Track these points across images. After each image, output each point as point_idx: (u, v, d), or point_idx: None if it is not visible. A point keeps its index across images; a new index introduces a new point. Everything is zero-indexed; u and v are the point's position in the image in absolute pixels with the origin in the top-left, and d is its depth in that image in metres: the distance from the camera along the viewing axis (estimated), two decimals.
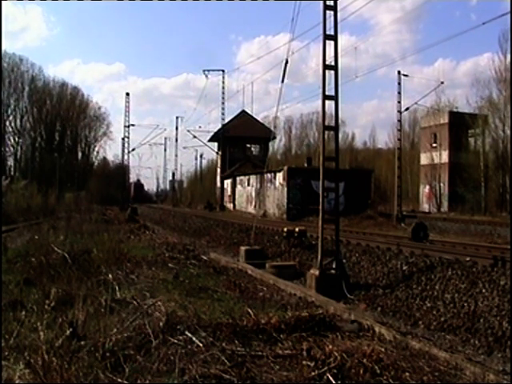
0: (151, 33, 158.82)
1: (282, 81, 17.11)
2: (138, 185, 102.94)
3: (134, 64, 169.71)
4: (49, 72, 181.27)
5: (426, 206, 54.03)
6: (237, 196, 51.10)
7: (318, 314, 7.73)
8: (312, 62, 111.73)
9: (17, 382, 4.91)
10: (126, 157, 59.90)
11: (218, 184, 62.96)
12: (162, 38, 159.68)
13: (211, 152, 76.03)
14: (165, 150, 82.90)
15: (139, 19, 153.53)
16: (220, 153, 65.69)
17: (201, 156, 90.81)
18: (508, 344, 7.83)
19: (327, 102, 12.69)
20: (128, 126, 57.03)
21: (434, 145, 54.39)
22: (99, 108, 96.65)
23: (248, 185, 47.15)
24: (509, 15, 10.79)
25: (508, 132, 43.63)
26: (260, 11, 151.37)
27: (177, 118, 78.42)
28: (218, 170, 66.25)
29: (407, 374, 5.65)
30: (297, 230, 17.59)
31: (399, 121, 37.54)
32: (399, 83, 35.49)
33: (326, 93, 12.63)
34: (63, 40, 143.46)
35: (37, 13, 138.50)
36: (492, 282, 10.10)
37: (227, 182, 56.73)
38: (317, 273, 11.91)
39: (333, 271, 12.11)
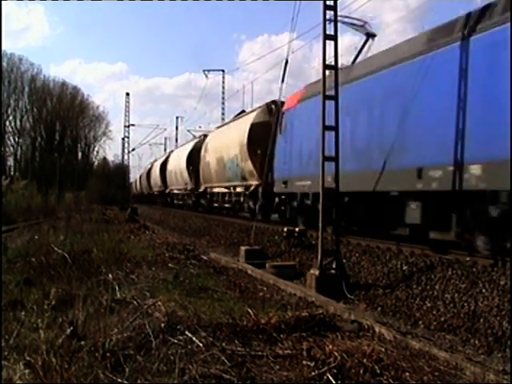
0: (153, 32, 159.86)
1: (282, 81, 17.13)
2: None
3: (135, 64, 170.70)
4: (51, 71, 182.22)
5: None
6: None
7: (318, 314, 7.73)
8: (315, 62, 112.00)
9: (17, 382, 4.91)
10: (126, 157, 59.78)
11: None
12: (164, 37, 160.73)
13: None
14: (165, 149, 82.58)
15: (142, 19, 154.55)
16: None
17: None
18: (508, 344, 7.83)
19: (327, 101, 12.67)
20: (128, 126, 57.07)
21: None
22: (97, 107, 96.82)
23: None
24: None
25: None
26: (264, 10, 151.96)
27: (177, 118, 77.95)
28: None
29: (407, 373, 5.65)
30: (297, 229, 17.58)
31: None
32: None
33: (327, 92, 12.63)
34: (66, 40, 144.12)
35: (39, 12, 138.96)
36: (492, 281, 10.09)
37: None
38: (317, 273, 11.91)
39: (333, 271, 12.11)
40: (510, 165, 10.34)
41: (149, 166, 73.89)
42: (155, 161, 68.72)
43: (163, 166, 55.12)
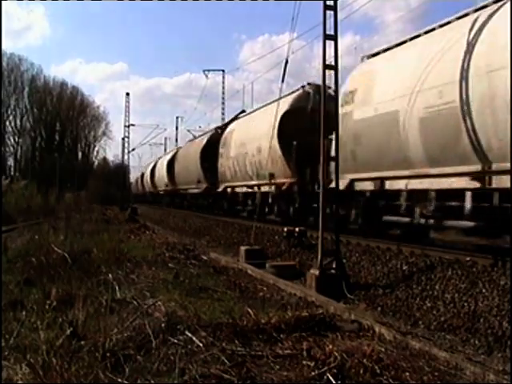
0: (154, 32, 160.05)
1: (282, 80, 17.12)
2: None
3: (136, 64, 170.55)
4: (51, 71, 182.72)
5: None
6: None
7: (318, 314, 7.73)
8: (315, 62, 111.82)
9: (17, 382, 4.92)
10: (126, 157, 59.80)
11: None
12: (164, 37, 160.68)
13: None
14: (165, 149, 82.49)
15: (142, 19, 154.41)
16: None
17: None
18: (508, 344, 7.83)
19: None
20: (128, 126, 57.03)
21: None
22: (98, 107, 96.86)
23: None
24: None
25: None
26: (264, 10, 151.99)
27: (177, 117, 78.00)
28: None
29: (407, 373, 5.64)
30: (297, 229, 17.58)
31: None
32: None
33: None
34: (66, 39, 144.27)
35: (40, 12, 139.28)
36: (492, 281, 10.09)
37: None
38: (317, 273, 11.90)
39: (333, 271, 12.10)
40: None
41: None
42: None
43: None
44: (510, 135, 10.14)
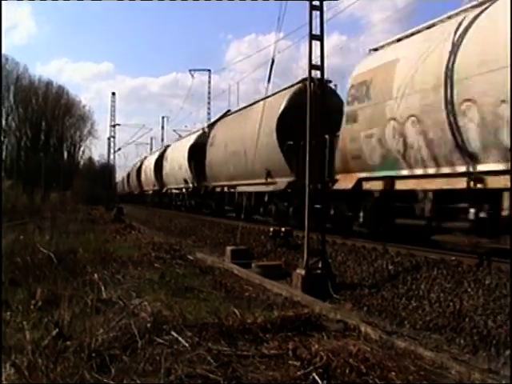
0: (140, 32, 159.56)
1: (269, 81, 17.07)
2: None
3: (122, 63, 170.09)
4: (36, 71, 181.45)
5: None
6: None
7: (304, 314, 7.73)
8: (302, 62, 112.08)
9: (1, 382, 4.89)
10: (111, 156, 59.47)
11: None
12: (151, 37, 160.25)
13: None
14: (151, 149, 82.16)
15: (128, 19, 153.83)
16: None
17: None
18: (493, 343, 7.87)
19: None
20: (114, 126, 56.73)
21: None
22: (83, 107, 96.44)
23: None
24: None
25: None
26: (251, 9, 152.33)
27: (163, 117, 77.62)
28: None
29: (393, 373, 5.66)
30: (283, 229, 17.61)
31: None
32: None
33: None
34: (52, 38, 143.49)
35: (26, 11, 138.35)
36: (477, 281, 10.16)
37: None
38: (303, 272, 11.92)
39: (319, 271, 12.12)
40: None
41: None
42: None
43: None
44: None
